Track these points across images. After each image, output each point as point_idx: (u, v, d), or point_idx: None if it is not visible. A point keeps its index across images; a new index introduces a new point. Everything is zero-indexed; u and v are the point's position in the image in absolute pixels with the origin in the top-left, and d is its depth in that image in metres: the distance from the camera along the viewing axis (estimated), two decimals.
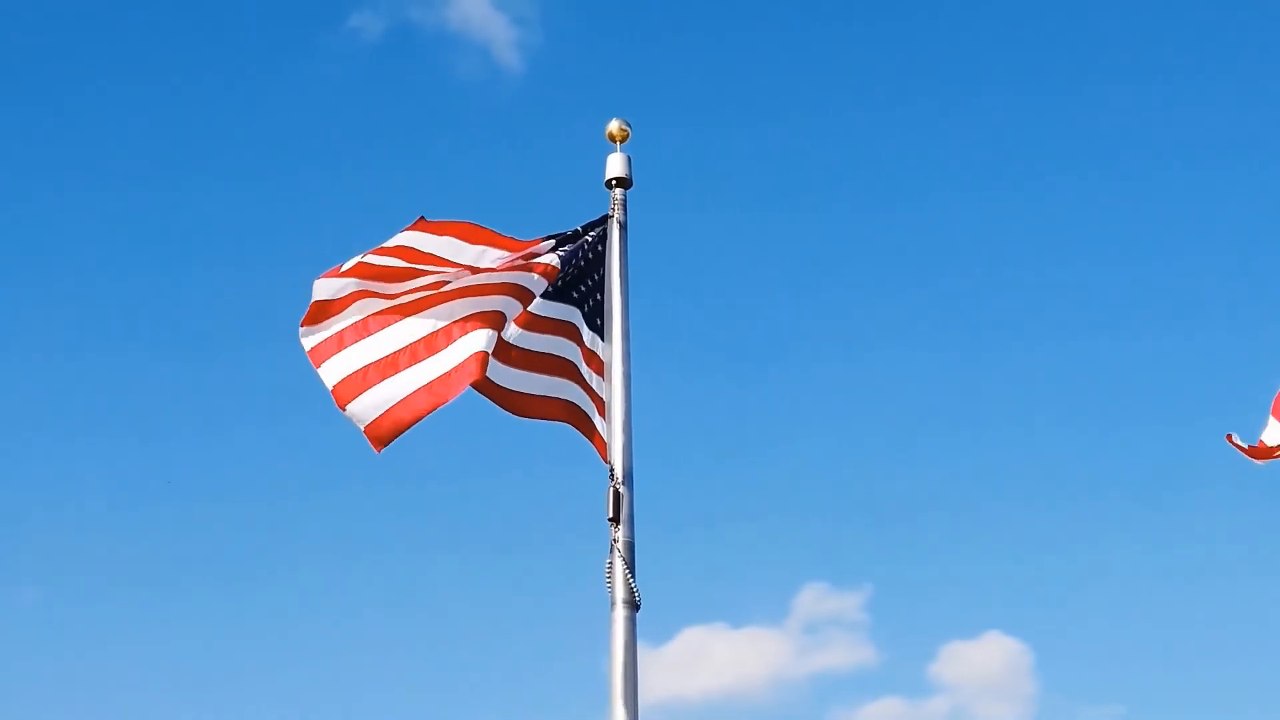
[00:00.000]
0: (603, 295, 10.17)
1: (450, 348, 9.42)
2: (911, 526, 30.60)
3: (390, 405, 9.33)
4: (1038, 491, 31.40)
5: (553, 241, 10.09)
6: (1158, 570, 30.24)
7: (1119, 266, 32.97)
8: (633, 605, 9.29)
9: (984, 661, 29.98)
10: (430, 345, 9.46)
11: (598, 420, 9.89)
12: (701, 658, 29.34)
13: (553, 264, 9.84)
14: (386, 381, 9.37)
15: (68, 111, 32.70)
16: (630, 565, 9.37)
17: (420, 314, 9.57)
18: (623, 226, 10.35)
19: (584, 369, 10.03)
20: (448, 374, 9.37)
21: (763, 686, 29.66)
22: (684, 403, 28.83)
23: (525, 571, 28.82)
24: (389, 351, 9.45)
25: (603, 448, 9.80)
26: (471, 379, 9.31)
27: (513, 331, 9.70)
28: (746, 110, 33.84)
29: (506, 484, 30.00)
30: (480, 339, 9.36)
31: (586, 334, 10.14)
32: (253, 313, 30.86)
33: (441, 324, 9.53)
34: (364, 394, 9.35)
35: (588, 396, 9.98)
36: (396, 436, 9.38)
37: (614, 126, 10.62)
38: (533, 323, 9.89)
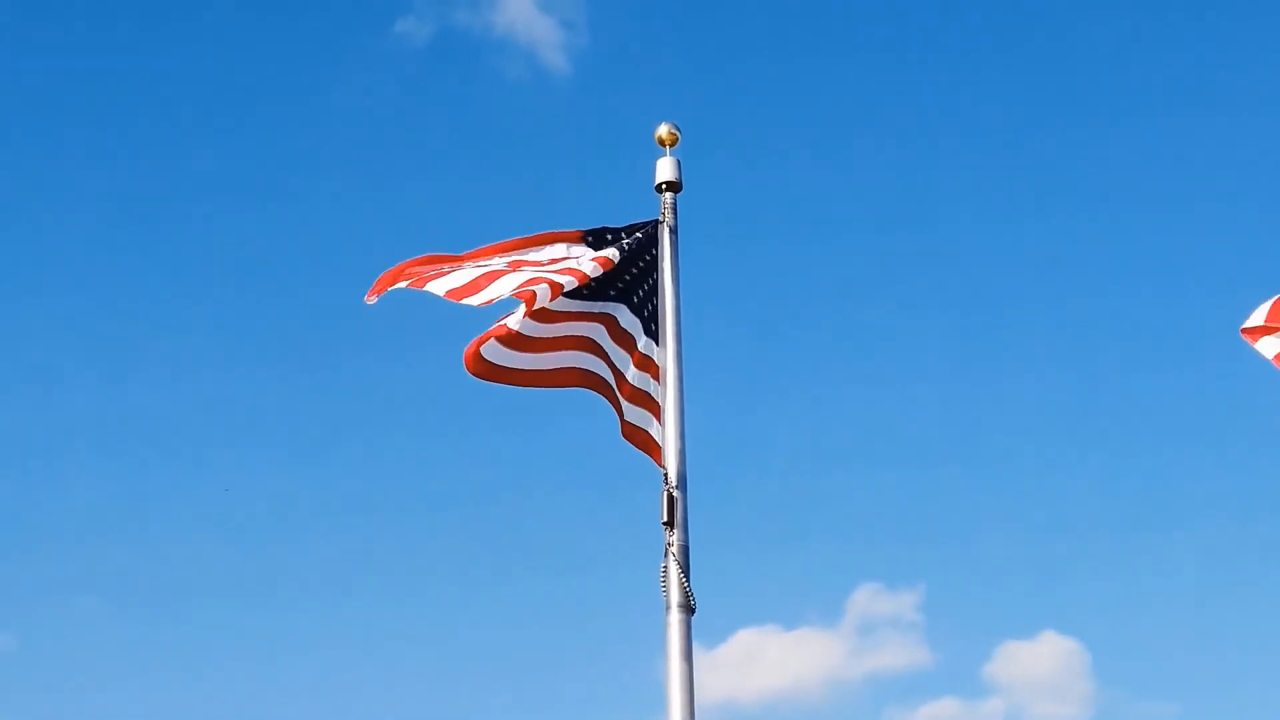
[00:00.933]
0: (657, 301, 10.19)
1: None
2: (965, 526, 30.52)
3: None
4: (1092, 490, 31.27)
5: (587, 246, 10.13)
6: (1213, 568, 30.06)
7: (1167, 278, 32.81)
8: (688, 609, 9.29)
9: (1040, 661, 29.86)
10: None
11: (651, 422, 9.93)
12: (755, 659, 29.33)
13: (585, 270, 9.90)
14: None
15: (128, 123, 32.93)
16: (685, 569, 9.37)
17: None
18: (673, 231, 10.35)
19: (608, 347, 10.06)
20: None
21: (817, 688, 29.62)
22: (736, 405, 28.82)
23: (580, 576, 28.85)
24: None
25: (657, 452, 9.82)
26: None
27: (530, 325, 9.80)
28: (796, 112, 33.80)
29: (561, 490, 30.04)
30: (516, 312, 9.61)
31: (631, 325, 10.13)
32: (297, 318, 31.04)
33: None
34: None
35: (609, 369, 10.04)
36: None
37: (663, 131, 10.61)
38: (552, 316, 9.96)
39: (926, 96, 34.01)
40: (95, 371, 31.10)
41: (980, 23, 34.14)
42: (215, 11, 33.57)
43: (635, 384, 10.03)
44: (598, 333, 10.08)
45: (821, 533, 30.18)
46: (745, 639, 29.23)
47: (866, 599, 30.22)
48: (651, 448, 9.88)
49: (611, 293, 10.05)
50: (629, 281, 10.12)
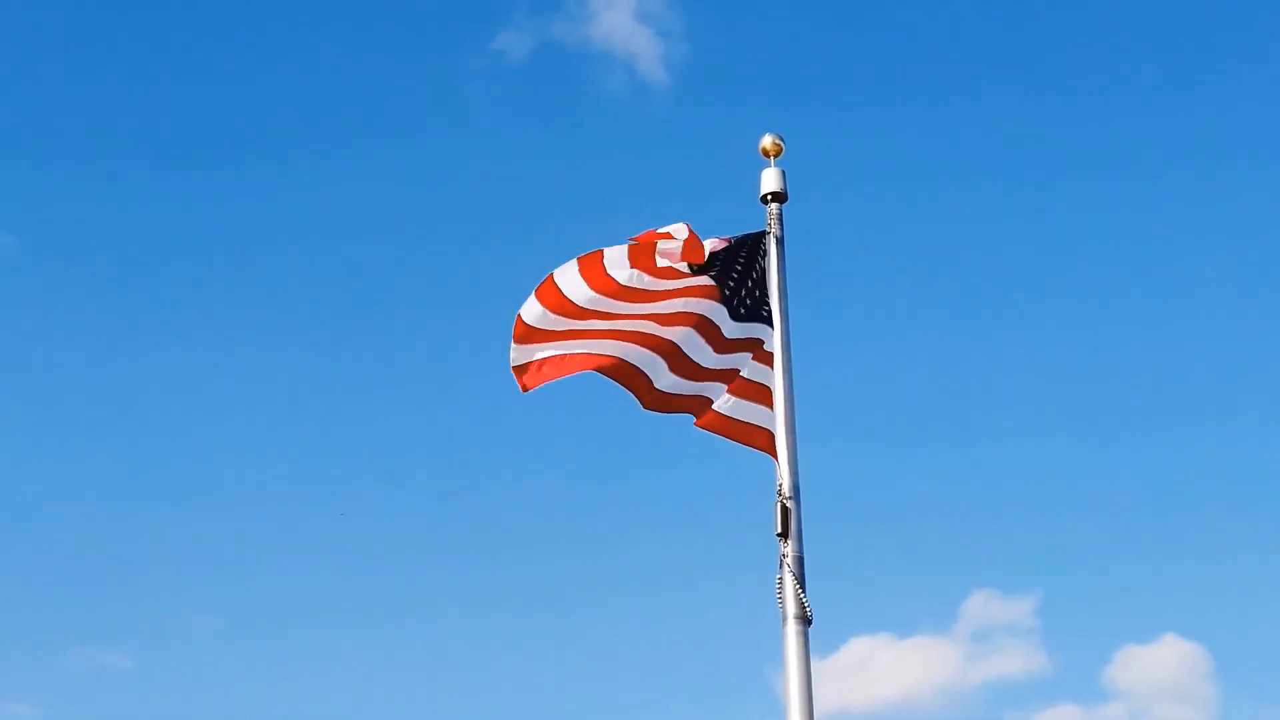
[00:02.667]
0: (770, 309, 10.14)
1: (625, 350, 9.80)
2: (1082, 528, 30.19)
3: (546, 358, 9.77)
4: (1212, 490, 30.84)
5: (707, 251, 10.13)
6: None
7: None
8: (804, 620, 9.26)
9: (1161, 665, 29.47)
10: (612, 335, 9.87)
11: (771, 419, 9.89)
12: (869, 668, 29.16)
13: (709, 284, 9.93)
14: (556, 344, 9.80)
15: (233, 137, 33.39)
16: (800, 580, 9.36)
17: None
18: (779, 241, 10.34)
19: (695, 347, 10.03)
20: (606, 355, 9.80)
21: (932, 696, 29.41)
22: (847, 412, 28.69)
23: (695, 585, 28.84)
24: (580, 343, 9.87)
25: (770, 445, 9.77)
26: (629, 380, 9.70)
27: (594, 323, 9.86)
28: (902, 115, 33.62)
29: (677, 501, 30.03)
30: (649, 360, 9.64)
31: (744, 331, 10.09)
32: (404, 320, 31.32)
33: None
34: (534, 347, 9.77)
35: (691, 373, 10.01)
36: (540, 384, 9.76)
37: (767, 142, 10.61)
38: (722, 344, 10.00)
39: (1036, 91, 33.72)
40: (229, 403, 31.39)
41: (1079, 35, 33.81)
42: (316, 33, 33.95)
43: (751, 378, 9.95)
44: (687, 338, 10.05)
45: (934, 539, 29.98)
46: (858, 648, 29.09)
47: (981, 605, 29.99)
48: (762, 440, 9.84)
49: (712, 278, 10.02)
50: (736, 288, 10.08)
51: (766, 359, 9.97)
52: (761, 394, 9.93)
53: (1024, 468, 31.07)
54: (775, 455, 9.69)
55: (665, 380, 10.00)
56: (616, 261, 9.95)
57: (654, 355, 9.99)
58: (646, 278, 9.96)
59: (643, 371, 9.98)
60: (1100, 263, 32.56)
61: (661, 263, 9.95)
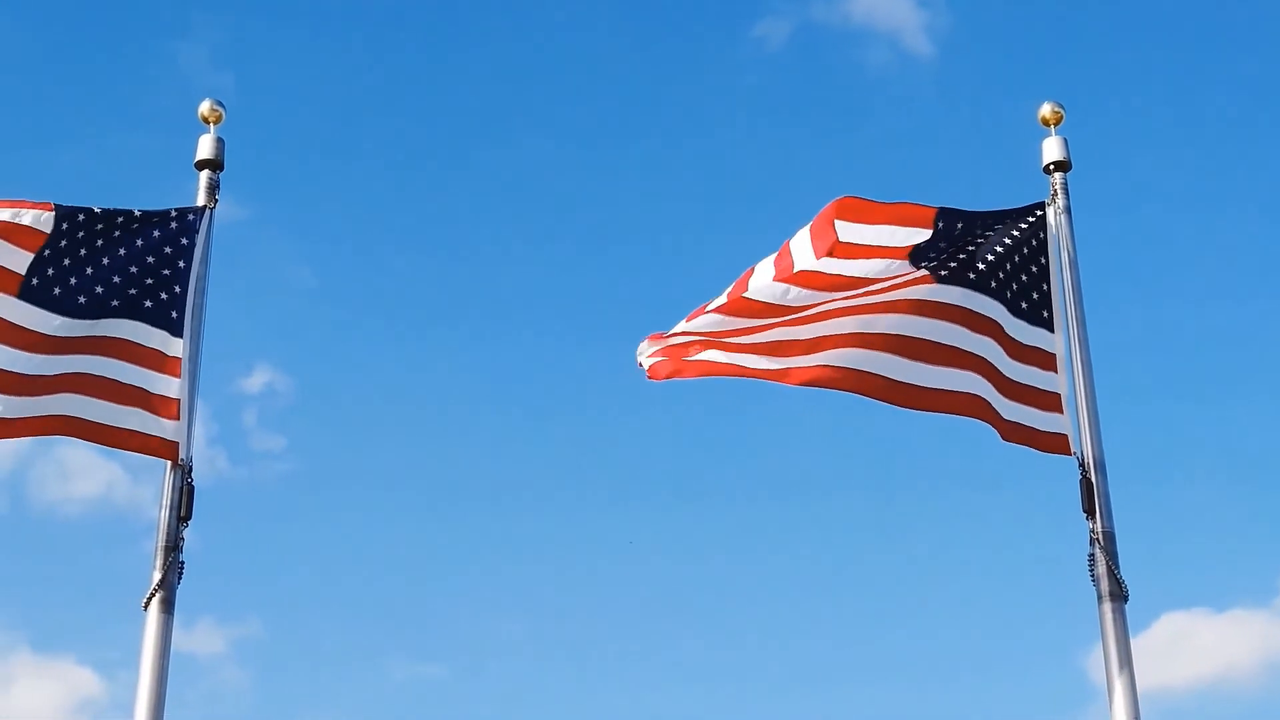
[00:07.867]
0: (1047, 285, 9.90)
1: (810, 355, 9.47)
2: None
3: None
4: None
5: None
6: None
7: None
8: (1120, 597, 9.05)
9: None
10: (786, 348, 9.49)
11: (1035, 416, 9.57)
12: (1185, 645, 28.34)
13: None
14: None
15: (482, 129, 34.01)
16: (1112, 556, 9.14)
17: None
18: (1066, 212, 10.12)
19: (1001, 362, 9.58)
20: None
21: (1255, 672, 28.40)
22: (1148, 383, 27.89)
23: (1007, 569, 28.40)
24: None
25: (1059, 443, 9.50)
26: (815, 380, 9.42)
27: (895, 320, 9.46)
28: (1184, 77, 32.63)
29: (984, 479, 29.57)
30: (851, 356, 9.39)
31: (1011, 324, 9.66)
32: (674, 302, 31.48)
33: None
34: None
35: (992, 387, 9.53)
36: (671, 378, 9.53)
37: (1046, 110, 10.41)
38: (931, 309, 9.57)
39: None
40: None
41: None
42: (576, 33, 34.37)
43: (1014, 378, 9.59)
44: (986, 348, 9.58)
45: (1249, 506, 28.97)
46: (1172, 623, 28.30)
47: None
48: (1038, 440, 9.51)
49: (971, 277, 9.61)
50: (994, 271, 9.78)
51: (1053, 365, 9.66)
52: (1053, 402, 9.59)
53: None
54: (1048, 449, 9.45)
55: (1005, 400, 9.55)
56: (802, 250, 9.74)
57: (972, 375, 9.51)
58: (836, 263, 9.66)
59: (870, 373, 9.46)
60: None
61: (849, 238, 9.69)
